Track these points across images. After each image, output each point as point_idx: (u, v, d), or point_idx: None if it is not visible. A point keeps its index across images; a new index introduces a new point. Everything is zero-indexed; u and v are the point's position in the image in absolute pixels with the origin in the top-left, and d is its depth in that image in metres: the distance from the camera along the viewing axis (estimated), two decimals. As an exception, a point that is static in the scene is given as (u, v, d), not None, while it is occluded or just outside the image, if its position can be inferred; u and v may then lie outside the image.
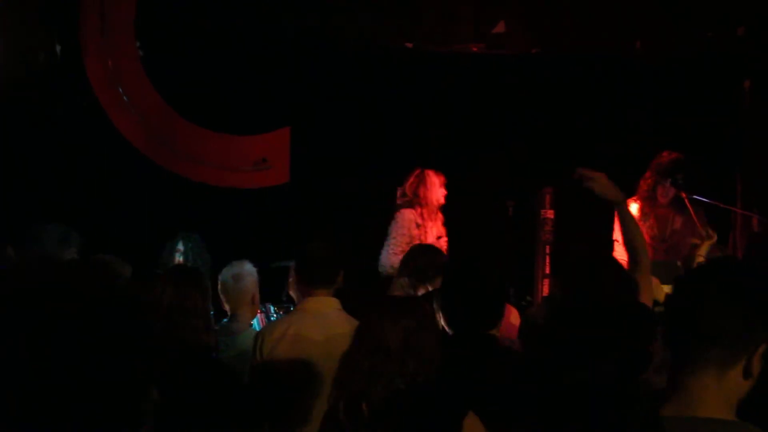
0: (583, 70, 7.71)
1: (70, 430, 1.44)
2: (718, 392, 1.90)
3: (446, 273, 3.92)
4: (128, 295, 1.56)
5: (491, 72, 7.79)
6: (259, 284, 4.92)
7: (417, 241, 6.39)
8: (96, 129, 7.59)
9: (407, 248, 5.61)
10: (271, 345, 3.98)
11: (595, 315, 2.80)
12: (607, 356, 2.68)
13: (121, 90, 7.72)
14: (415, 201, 6.68)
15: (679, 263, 5.84)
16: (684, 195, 6.07)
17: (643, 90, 7.57)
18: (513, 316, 5.20)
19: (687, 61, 7.59)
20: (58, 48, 7.63)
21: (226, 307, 4.83)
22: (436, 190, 6.68)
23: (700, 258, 5.72)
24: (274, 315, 5.64)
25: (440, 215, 6.75)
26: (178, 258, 5.60)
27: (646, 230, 6.21)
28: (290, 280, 4.70)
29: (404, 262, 5.15)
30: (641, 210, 6.25)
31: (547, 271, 6.66)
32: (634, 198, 6.30)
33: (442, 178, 6.72)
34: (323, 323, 3.98)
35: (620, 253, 6.28)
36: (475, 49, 7.82)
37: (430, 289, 4.74)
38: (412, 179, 6.72)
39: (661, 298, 4.70)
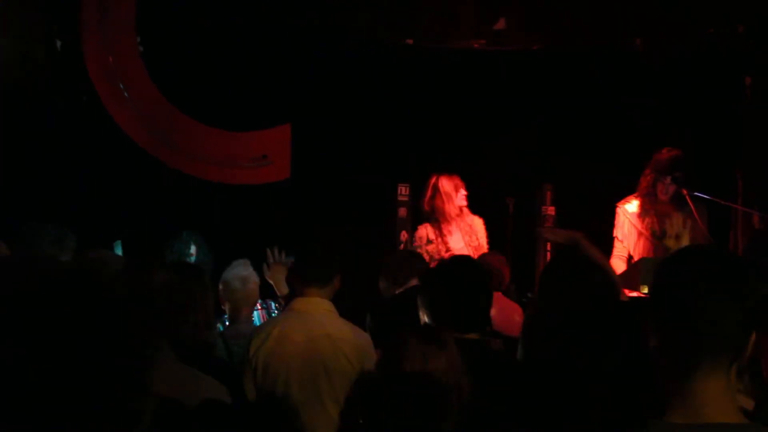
0: (584, 66, 7.71)
1: (68, 430, 1.44)
2: (726, 394, 1.85)
3: (426, 274, 3.94)
4: (121, 292, 1.55)
5: (492, 68, 7.78)
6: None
7: (437, 256, 6.38)
8: (96, 125, 7.58)
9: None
10: (257, 345, 3.95)
11: (576, 315, 2.80)
12: (594, 357, 2.67)
13: (121, 86, 7.72)
14: (432, 216, 6.64)
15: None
16: (685, 192, 6.06)
17: (644, 87, 7.56)
18: (517, 314, 5.21)
19: (687, 58, 7.58)
20: (58, 44, 7.62)
21: (225, 308, 4.83)
22: (453, 199, 6.60)
23: None
24: (275, 311, 5.64)
25: (468, 218, 6.67)
26: (191, 261, 5.56)
27: (646, 227, 6.21)
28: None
29: (383, 265, 5.18)
30: (641, 207, 6.25)
31: (548, 267, 6.65)
32: (635, 195, 6.29)
33: (456, 180, 6.64)
34: (308, 324, 3.94)
35: (620, 250, 6.32)
36: (476, 45, 7.82)
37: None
38: (428, 192, 6.64)
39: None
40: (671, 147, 6.19)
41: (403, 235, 6.75)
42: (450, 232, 6.59)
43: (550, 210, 6.83)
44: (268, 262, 4.79)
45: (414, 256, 5.46)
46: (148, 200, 7.48)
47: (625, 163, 6.64)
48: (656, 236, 6.21)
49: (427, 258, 6.11)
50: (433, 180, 6.66)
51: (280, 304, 4.97)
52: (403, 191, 7.07)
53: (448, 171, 6.70)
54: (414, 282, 4.74)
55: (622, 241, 6.28)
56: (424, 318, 3.52)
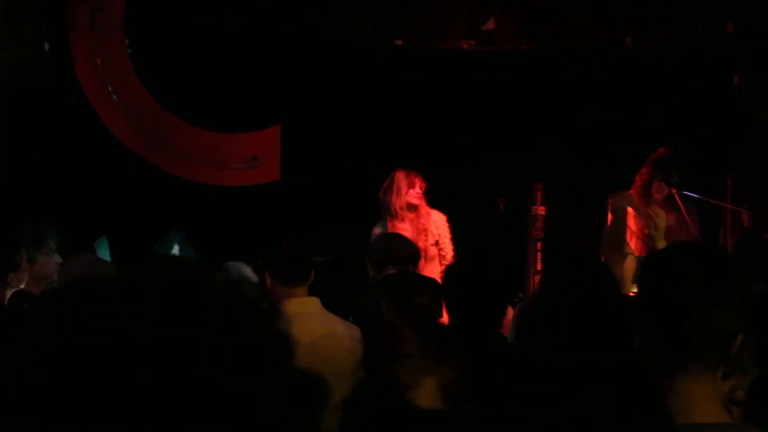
0: (574, 66, 7.70)
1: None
2: (715, 394, 1.84)
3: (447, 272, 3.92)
4: (115, 296, 1.54)
5: (482, 68, 7.77)
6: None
7: None
8: (85, 127, 7.56)
9: None
10: None
11: (579, 311, 2.79)
12: (596, 353, 2.66)
13: (110, 88, 7.69)
14: (385, 211, 6.45)
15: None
16: (675, 191, 6.05)
17: (633, 86, 7.56)
18: (508, 313, 5.19)
19: (677, 57, 7.59)
20: (46, 46, 7.59)
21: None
22: (402, 195, 6.37)
23: None
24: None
25: (424, 218, 6.43)
26: None
27: (639, 226, 6.19)
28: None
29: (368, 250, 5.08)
30: (636, 207, 6.22)
31: (539, 267, 6.65)
32: (630, 191, 6.25)
33: (414, 176, 6.40)
34: (308, 325, 3.90)
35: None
36: (465, 46, 7.81)
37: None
38: (384, 185, 6.47)
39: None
40: (667, 146, 6.16)
41: (376, 231, 6.59)
42: (400, 231, 6.26)
43: (541, 210, 6.82)
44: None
45: (393, 240, 5.29)
46: (137, 200, 7.45)
47: (616, 162, 6.64)
48: (648, 237, 6.19)
49: None
50: (393, 174, 6.50)
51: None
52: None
53: (416, 168, 6.48)
54: (389, 270, 4.68)
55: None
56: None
